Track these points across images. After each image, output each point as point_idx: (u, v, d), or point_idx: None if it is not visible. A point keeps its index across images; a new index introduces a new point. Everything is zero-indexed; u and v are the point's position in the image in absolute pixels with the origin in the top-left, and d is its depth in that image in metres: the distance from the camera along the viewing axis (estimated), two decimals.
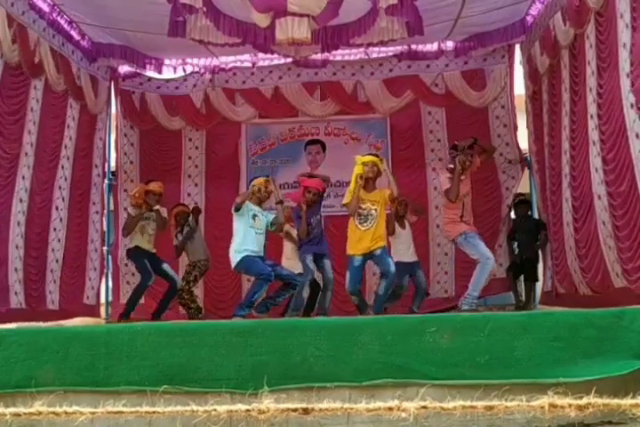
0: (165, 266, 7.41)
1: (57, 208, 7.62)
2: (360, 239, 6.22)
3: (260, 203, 6.40)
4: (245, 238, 6.12)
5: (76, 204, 8.09)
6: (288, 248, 7.25)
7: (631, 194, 5.03)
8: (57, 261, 7.61)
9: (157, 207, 7.31)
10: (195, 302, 7.91)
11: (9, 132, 6.62)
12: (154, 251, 7.45)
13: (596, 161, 5.73)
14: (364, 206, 6.23)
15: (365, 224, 6.20)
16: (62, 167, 7.73)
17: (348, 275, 6.29)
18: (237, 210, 6.14)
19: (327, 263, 6.54)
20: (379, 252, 6.21)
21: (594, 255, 5.81)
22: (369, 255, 6.25)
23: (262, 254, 6.23)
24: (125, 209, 8.63)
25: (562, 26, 6.58)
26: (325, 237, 6.86)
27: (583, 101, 6.08)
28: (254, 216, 6.23)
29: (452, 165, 6.53)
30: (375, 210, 6.22)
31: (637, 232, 4.94)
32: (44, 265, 7.32)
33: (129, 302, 7.41)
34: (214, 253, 8.68)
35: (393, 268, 6.15)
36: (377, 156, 6.70)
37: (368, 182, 6.30)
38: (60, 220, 7.69)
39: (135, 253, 7.41)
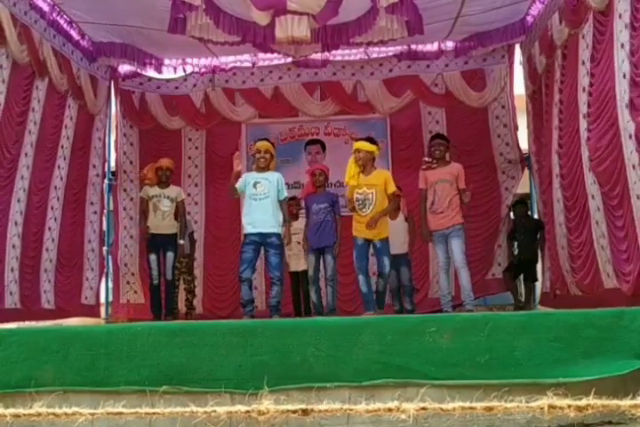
0: (169, 255, 6.99)
1: (52, 208, 7.62)
2: (360, 222, 6.12)
3: (263, 169, 6.11)
4: (245, 211, 6.07)
5: (72, 204, 8.09)
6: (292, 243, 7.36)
7: (625, 194, 5.03)
8: (51, 260, 7.60)
9: (182, 242, 7.12)
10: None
11: (11, 133, 6.63)
12: (170, 231, 7.03)
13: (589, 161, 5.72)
14: (360, 191, 6.09)
15: (364, 210, 6.06)
16: (59, 167, 7.74)
17: (354, 255, 6.17)
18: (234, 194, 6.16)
19: (327, 259, 6.45)
20: (379, 245, 6.09)
21: (585, 256, 5.80)
22: (371, 241, 6.14)
23: (261, 219, 5.94)
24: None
25: (558, 25, 6.59)
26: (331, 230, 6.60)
27: (575, 102, 6.07)
28: (256, 184, 6.01)
29: (426, 158, 6.52)
30: (372, 194, 6.05)
31: (632, 233, 4.93)
32: (38, 265, 7.32)
33: (151, 307, 7.16)
34: (214, 253, 8.70)
35: (387, 269, 6.16)
36: (371, 139, 6.41)
37: (364, 167, 6.13)
38: (55, 219, 7.70)
39: (147, 246, 7.14)
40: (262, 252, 6.05)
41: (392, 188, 6.17)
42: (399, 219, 7.15)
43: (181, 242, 7.13)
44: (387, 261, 6.13)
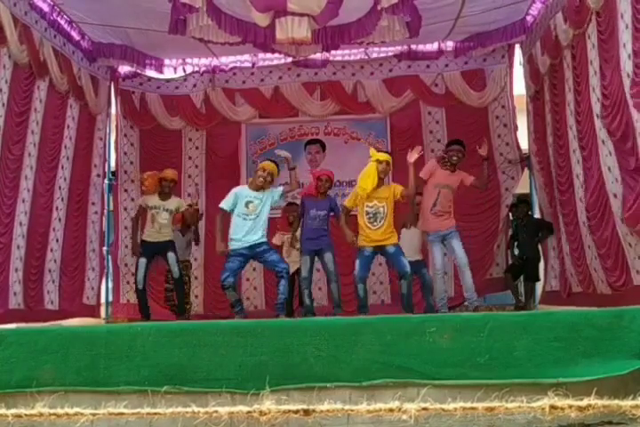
0: (170, 255, 6.90)
1: (57, 208, 7.62)
2: (368, 235, 6.07)
3: (258, 188, 6.15)
4: (233, 228, 6.06)
5: (75, 204, 8.09)
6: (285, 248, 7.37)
7: None
8: (55, 261, 7.59)
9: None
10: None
11: (14, 134, 6.62)
12: (165, 239, 6.94)
13: (608, 160, 5.68)
14: (371, 204, 6.04)
15: (375, 223, 6.02)
16: (62, 167, 7.73)
17: (357, 264, 6.09)
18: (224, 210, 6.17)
19: (327, 257, 6.32)
20: (392, 250, 6.01)
21: (614, 254, 5.75)
22: (380, 249, 6.08)
23: (249, 238, 5.97)
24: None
25: (562, 26, 6.58)
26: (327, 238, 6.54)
27: (587, 101, 6.07)
28: (248, 203, 6.05)
29: (444, 155, 6.54)
30: (383, 207, 6.03)
31: None
32: (42, 265, 7.31)
33: (139, 310, 7.09)
34: (215, 253, 8.67)
35: (408, 268, 6.00)
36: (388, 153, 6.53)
37: (382, 180, 6.14)
38: (59, 220, 7.69)
39: (140, 250, 7.03)
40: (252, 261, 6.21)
41: (399, 192, 6.08)
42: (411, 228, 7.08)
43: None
44: (405, 261, 6.01)
